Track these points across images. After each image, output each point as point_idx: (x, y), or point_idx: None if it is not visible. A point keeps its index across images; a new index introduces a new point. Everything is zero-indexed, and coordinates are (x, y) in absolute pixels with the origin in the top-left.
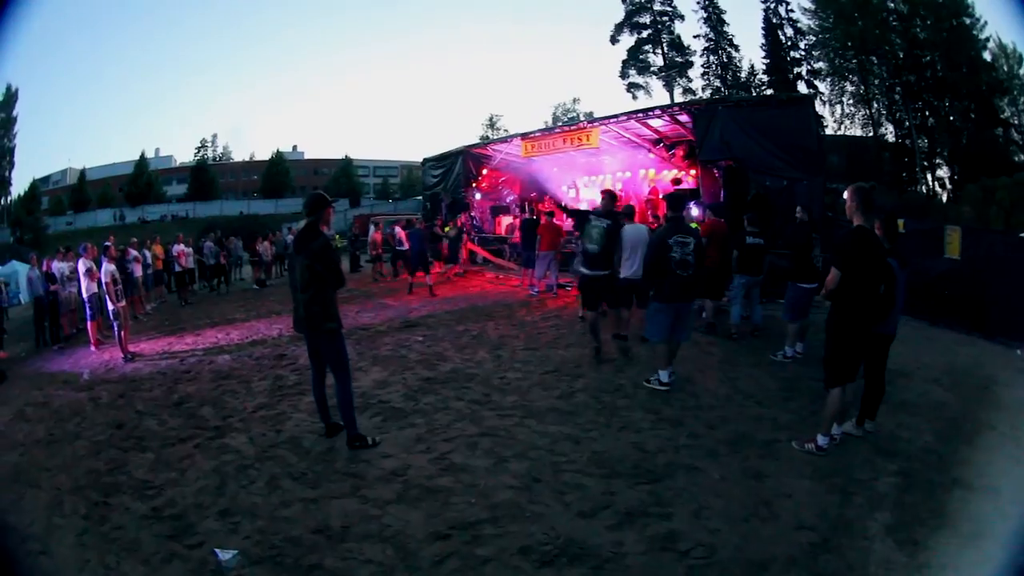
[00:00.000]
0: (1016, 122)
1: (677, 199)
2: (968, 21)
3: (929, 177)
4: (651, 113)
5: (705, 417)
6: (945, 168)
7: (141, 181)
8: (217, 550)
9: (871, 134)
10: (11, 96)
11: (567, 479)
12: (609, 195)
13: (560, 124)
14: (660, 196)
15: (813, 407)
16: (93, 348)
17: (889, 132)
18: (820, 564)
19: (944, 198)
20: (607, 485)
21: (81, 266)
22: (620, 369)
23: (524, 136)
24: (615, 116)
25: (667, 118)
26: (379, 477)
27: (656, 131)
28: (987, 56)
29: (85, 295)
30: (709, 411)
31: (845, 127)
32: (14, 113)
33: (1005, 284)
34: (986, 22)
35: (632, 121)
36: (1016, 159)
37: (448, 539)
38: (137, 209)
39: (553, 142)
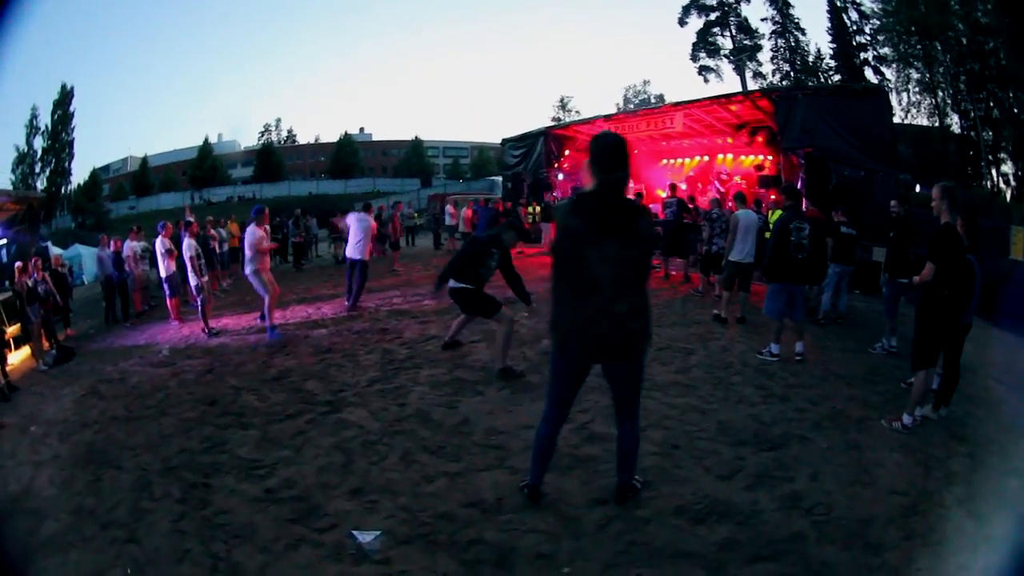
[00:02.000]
0: None
1: (794, 189)
2: None
3: (994, 172)
4: (733, 98)
5: (807, 394)
6: (1009, 163)
7: (206, 165)
8: (355, 532)
9: (937, 124)
10: (67, 94)
11: (701, 446)
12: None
13: (631, 105)
14: (734, 181)
15: (896, 391)
16: (175, 322)
17: (954, 123)
18: (910, 524)
19: (1008, 195)
20: (736, 451)
21: (159, 246)
22: (727, 348)
23: (607, 118)
24: (697, 100)
25: (748, 103)
26: (523, 448)
27: (736, 116)
28: None
29: (164, 274)
30: (809, 389)
31: (912, 116)
32: (71, 109)
33: None
34: None
35: (714, 105)
36: None
37: (607, 504)
38: (202, 192)
39: (636, 124)
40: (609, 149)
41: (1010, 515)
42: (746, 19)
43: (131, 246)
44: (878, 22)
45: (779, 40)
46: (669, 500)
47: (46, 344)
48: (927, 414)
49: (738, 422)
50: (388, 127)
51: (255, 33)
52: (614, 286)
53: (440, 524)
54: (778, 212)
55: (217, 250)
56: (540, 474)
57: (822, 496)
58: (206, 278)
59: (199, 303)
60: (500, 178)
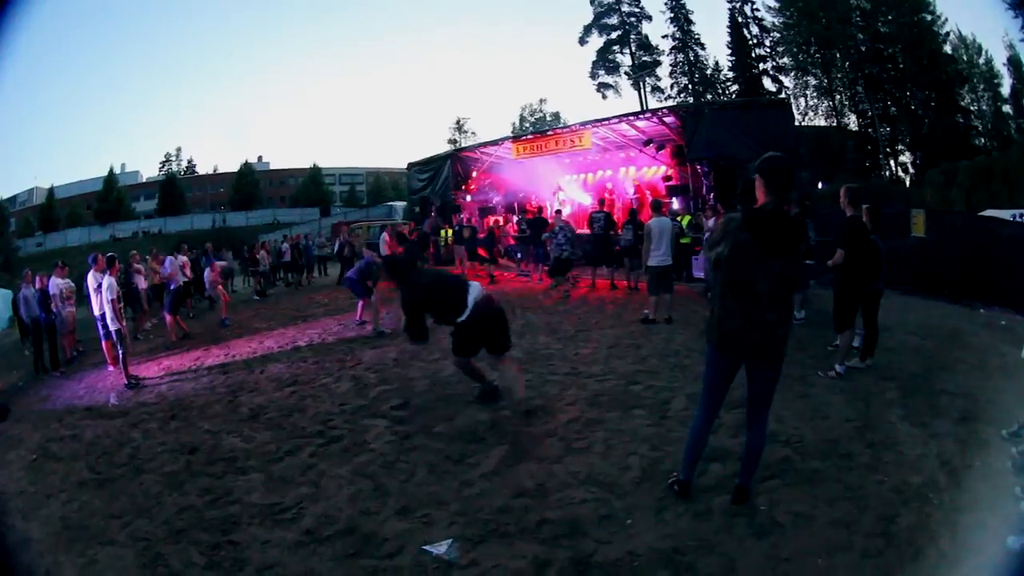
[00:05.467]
0: (975, 109)
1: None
2: (929, 17)
3: (892, 163)
4: (641, 115)
5: None
6: (907, 154)
7: (111, 198)
8: (427, 547)
9: (834, 124)
10: None
11: (682, 414)
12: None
13: (527, 124)
14: (646, 192)
15: (824, 353)
16: (113, 368)
17: (852, 122)
18: (868, 437)
19: (907, 182)
20: None
21: (92, 281)
22: (669, 340)
23: (515, 138)
24: (607, 119)
25: (655, 120)
26: (535, 441)
27: (642, 132)
28: (947, 49)
29: (96, 312)
30: None
31: (809, 118)
32: None
33: (967, 256)
34: (946, 18)
35: (623, 123)
36: (976, 143)
37: (631, 468)
38: (108, 227)
39: (545, 144)
40: (785, 173)
41: (948, 419)
42: (646, 36)
43: (57, 283)
44: (778, 35)
45: (679, 55)
46: (680, 456)
47: None
48: (855, 365)
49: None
50: (285, 155)
51: (153, 58)
52: (770, 298)
53: (501, 517)
54: (688, 217)
55: (143, 286)
56: (692, 470)
57: (792, 431)
58: (124, 323)
59: (120, 351)
60: (399, 203)
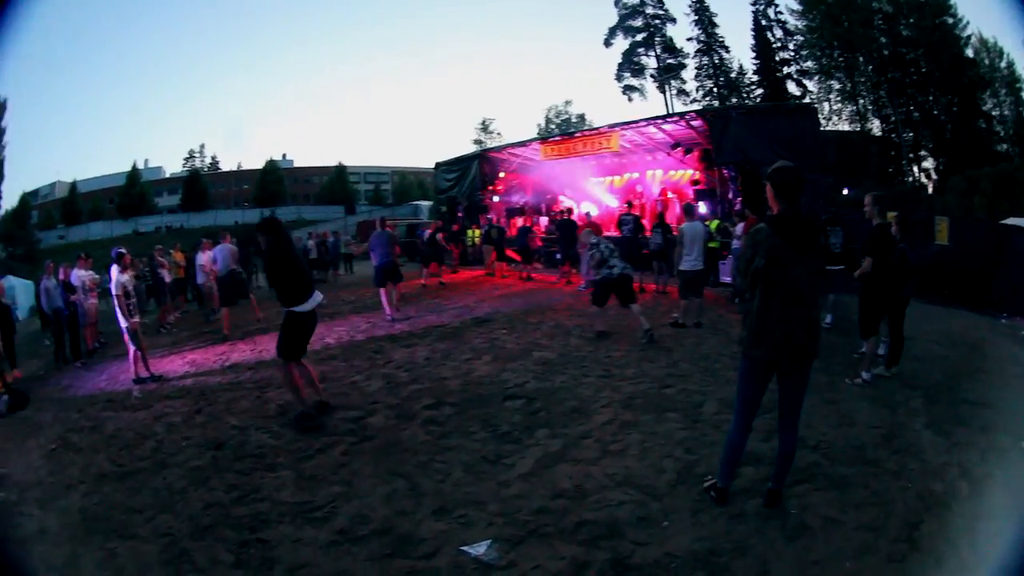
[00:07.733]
0: (998, 114)
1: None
2: (951, 21)
3: (915, 169)
4: (668, 118)
5: None
6: (930, 160)
7: (134, 192)
8: (465, 548)
9: (858, 129)
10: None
11: (714, 419)
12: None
13: (552, 126)
14: (669, 196)
15: (850, 361)
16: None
17: (875, 127)
18: (894, 445)
19: (930, 189)
20: None
21: (115, 274)
22: (699, 344)
23: (543, 140)
24: (635, 121)
25: (682, 123)
26: (571, 443)
27: (669, 135)
28: (969, 52)
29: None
30: None
31: (833, 123)
32: (3, 124)
33: (990, 265)
34: (968, 21)
35: (650, 126)
36: (998, 150)
37: (666, 471)
38: (130, 221)
39: (574, 146)
40: (793, 181)
41: (970, 429)
42: (671, 39)
43: (80, 275)
44: (802, 38)
45: (703, 58)
46: (714, 459)
47: None
48: (881, 373)
49: (733, 398)
50: (309, 153)
51: (179, 55)
52: (812, 295)
53: (540, 518)
54: (716, 222)
55: (168, 279)
56: (730, 476)
57: (821, 436)
58: (136, 319)
59: (130, 348)
60: (424, 203)
